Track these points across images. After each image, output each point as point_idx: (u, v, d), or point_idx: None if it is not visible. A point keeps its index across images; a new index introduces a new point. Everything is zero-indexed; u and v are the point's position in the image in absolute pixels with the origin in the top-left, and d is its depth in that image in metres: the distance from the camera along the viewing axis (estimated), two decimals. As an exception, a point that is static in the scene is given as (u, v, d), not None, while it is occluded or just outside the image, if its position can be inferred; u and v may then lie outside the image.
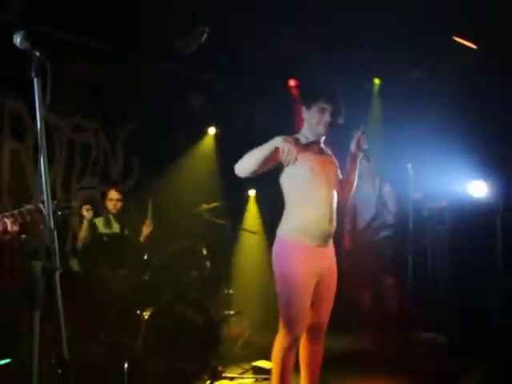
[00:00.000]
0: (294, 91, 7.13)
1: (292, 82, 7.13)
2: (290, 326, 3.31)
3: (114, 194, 5.66)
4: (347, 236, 6.11)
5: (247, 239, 6.91)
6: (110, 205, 5.62)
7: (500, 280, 5.76)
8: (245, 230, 6.44)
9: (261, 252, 6.63)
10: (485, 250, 5.90)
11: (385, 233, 6.00)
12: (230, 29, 5.62)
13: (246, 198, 7.52)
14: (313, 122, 3.45)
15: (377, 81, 6.67)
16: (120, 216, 5.63)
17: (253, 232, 6.40)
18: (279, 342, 3.36)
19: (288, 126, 6.87)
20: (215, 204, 5.57)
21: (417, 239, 5.83)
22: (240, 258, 6.82)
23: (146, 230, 5.53)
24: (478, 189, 5.64)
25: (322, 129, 3.45)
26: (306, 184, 3.34)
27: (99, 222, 5.60)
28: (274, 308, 6.75)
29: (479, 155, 5.31)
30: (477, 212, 5.66)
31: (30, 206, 2.69)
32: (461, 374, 4.65)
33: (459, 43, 5.85)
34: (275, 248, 3.39)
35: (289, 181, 3.40)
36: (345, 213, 6.01)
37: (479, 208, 5.62)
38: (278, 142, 3.17)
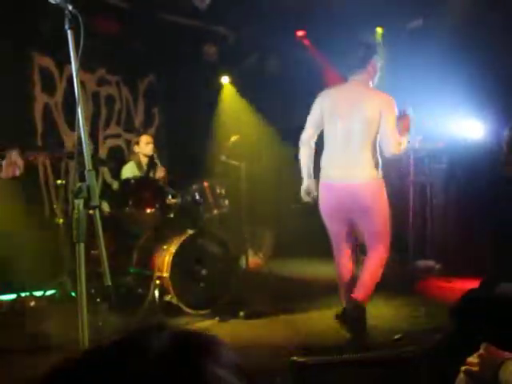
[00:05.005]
0: (305, 41, 6.97)
1: (300, 33, 6.97)
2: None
3: (148, 138, 5.59)
4: None
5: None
6: (148, 148, 5.52)
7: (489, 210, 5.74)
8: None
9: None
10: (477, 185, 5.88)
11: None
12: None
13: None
14: (377, 71, 3.92)
15: (379, 30, 6.49)
16: (150, 159, 5.61)
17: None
18: (383, 259, 3.86)
19: (297, 75, 6.87)
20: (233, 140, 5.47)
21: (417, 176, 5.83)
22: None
23: (160, 173, 5.55)
24: (475, 130, 5.56)
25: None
26: None
27: (129, 167, 5.57)
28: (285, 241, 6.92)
29: (477, 98, 5.22)
30: (472, 151, 5.59)
31: None
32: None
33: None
34: (379, 189, 3.80)
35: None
36: None
37: (475, 148, 5.55)
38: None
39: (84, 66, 6.22)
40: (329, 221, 3.96)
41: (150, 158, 5.55)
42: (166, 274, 4.47)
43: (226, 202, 5.00)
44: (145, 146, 5.55)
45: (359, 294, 3.76)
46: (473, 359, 1.44)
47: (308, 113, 3.95)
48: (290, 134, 4.67)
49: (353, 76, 3.87)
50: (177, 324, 4.29)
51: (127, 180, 4.99)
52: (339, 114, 3.78)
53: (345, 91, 3.89)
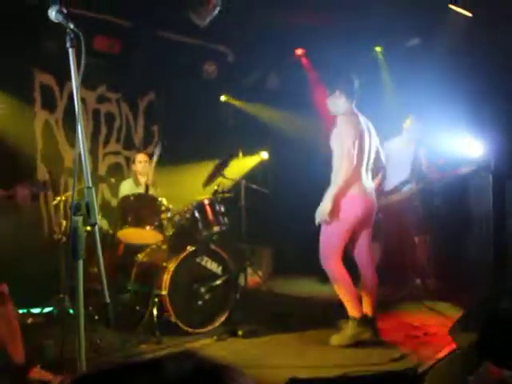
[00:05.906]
0: (303, 60, 7.03)
1: (299, 51, 7.02)
2: None
3: (143, 157, 5.68)
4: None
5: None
6: (139, 167, 5.62)
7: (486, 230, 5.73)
8: (258, 188, 6.37)
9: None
10: (476, 204, 5.89)
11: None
12: (241, 2, 5.52)
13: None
14: None
15: (378, 48, 6.55)
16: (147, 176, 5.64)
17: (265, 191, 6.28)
18: None
19: (297, 93, 6.91)
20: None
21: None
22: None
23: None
24: (473, 148, 5.56)
25: None
26: None
27: (127, 183, 5.63)
28: (284, 259, 6.91)
29: (476, 115, 5.24)
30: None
31: None
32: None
33: (454, 11, 5.72)
34: None
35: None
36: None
37: (473, 166, 5.56)
38: None
39: (85, 84, 6.26)
40: (346, 233, 4.17)
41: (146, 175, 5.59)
42: (164, 292, 4.45)
43: (226, 219, 4.99)
44: (138, 164, 5.64)
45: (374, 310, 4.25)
46: (473, 378, 1.43)
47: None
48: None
49: (352, 105, 4.23)
50: (174, 342, 4.26)
51: (126, 197, 4.99)
52: (362, 142, 4.13)
53: (361, 122, 4.20)
